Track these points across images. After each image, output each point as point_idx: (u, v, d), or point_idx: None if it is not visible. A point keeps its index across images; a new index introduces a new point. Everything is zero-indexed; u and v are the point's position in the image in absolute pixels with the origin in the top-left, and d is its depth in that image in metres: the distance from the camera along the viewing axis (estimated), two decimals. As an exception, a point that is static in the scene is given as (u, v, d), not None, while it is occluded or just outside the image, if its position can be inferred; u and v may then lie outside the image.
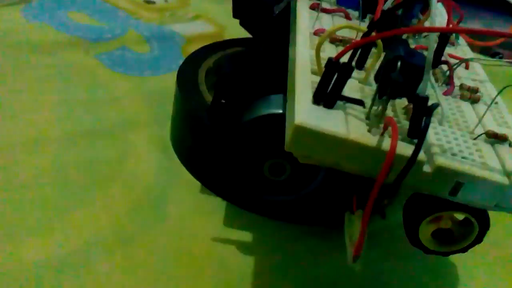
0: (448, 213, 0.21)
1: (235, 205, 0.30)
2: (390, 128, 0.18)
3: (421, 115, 0.19)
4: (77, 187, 0.30)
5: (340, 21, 0.28)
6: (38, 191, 0.29)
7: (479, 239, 0.22)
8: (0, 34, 0.42)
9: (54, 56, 0.41)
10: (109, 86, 0.38)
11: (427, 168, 0.19)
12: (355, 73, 0.23)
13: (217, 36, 0.47)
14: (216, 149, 0.27)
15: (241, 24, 0.32)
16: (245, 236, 0.29)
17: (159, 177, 0.31)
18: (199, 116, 0.29)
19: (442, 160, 0.19)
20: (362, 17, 0.28)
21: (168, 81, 0.38)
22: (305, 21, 0.26)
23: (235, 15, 0.31)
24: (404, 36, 0.27)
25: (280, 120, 0.22)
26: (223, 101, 0.27)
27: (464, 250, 0.22)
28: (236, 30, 0.33)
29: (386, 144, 0.19)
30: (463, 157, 0.20)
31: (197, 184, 0.31)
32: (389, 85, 0.19)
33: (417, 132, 0.19)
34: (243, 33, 0.33)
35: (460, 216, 0.21)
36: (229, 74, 0.28)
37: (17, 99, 0.35)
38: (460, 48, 0.28)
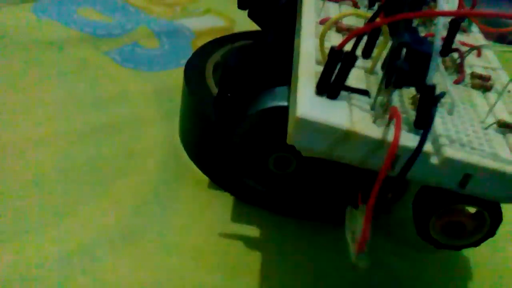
0: (459, 206, 0.20)
1: (243, 201, 0.29)
2: (395, 119, 0.18)
3: (428, 104, 0.18)
4: (85, 183, 0.29)
5: (347, 10, 0.27)
6: (45, 187, 0.29)
7: (491, 233, 0.21)
8: (10, 31, 0.42)
9: (64, 53, 0.40)
10: (119, 82, 0.38)
11: (434, 160, 0.18)
12: (362, 63, 0.22)
13: (227, 30, 0.47)
14: (222, 143, 0.27)
15: (249, 15, 0.31)
16: (254, 232, 0.28)
17: (168, 173, 0.31)
18: (205, 110, 0.28)
19: (450, 152, 0.18)
20: (370, 6, 0.28)
21: (177, 77, 0.37)
22: (311, 10, 0.25)
23: (240, 6, 0.30)
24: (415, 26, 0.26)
25: (285, 113, 0.21)
26: (228, 94, 0.27)
27: (477, 244, 0.21)
28: (246, 24, 0.33)
29: (391, 135, 0.18)
30: (472, 148, 0.19)
31: (206, 179, 0.30)
32: (394, 73, 0.18)
33: (424, 122, 0.18)
34: (253, 27, 0.32)
35: (472, 209, 0.21)
36: (234, 67, 0.27)
37: (26, 96, 0.35)
38: (473, 36, 0.27)
